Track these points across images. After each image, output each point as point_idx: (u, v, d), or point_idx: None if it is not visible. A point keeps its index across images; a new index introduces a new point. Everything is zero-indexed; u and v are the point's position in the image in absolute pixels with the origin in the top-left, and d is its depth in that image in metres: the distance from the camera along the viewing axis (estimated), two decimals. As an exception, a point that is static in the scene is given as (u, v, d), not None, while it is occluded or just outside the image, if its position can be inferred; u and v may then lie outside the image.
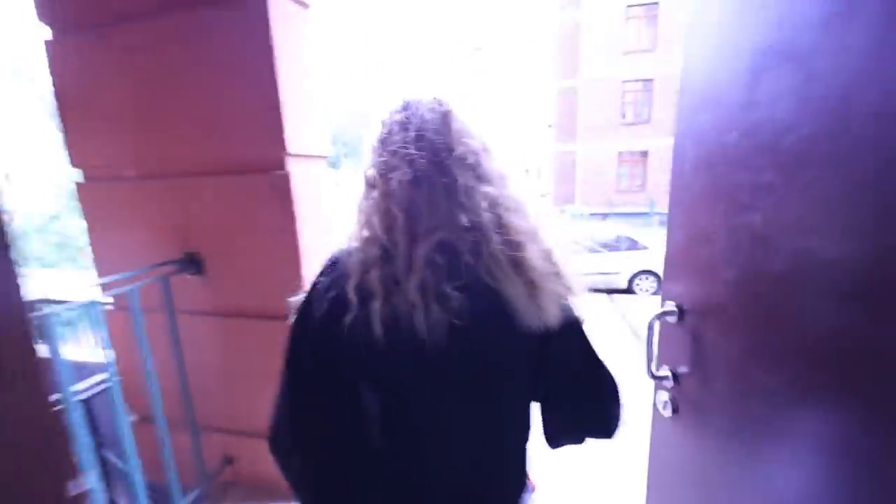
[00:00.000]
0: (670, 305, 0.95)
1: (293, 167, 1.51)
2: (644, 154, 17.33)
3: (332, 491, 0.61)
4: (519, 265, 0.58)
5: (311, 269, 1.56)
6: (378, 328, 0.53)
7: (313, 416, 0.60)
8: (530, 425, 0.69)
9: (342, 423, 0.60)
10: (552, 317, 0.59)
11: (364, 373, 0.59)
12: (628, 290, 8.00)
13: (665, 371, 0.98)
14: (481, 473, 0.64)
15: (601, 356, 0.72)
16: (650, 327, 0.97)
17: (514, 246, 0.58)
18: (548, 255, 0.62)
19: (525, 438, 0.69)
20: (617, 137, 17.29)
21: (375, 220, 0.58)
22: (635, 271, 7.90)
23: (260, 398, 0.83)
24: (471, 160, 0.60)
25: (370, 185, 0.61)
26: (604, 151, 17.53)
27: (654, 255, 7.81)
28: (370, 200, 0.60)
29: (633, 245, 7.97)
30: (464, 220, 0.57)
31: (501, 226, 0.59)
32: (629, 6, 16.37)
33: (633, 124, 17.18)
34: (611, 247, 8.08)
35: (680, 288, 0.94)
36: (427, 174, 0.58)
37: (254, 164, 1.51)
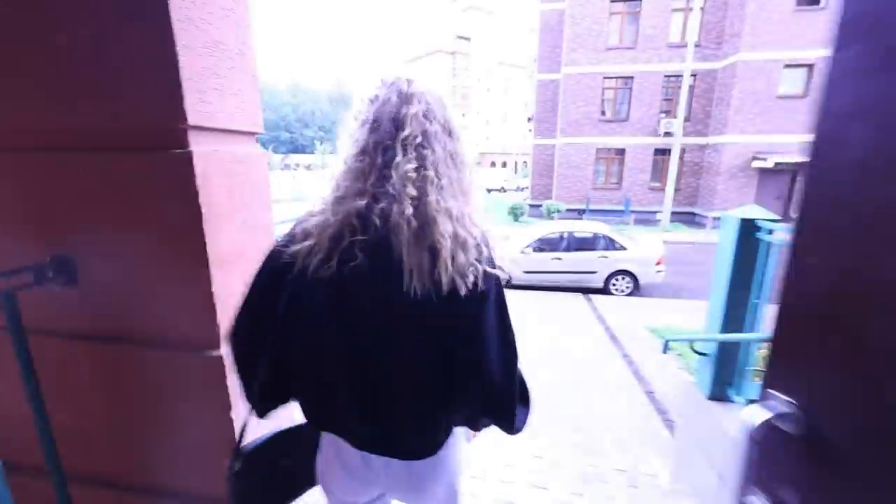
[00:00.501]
0: (782, 405, 0.56)
1: (199, 145, 1.10)
2: (621, 152, 17.38)
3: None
4: (422, 235, 0.69)
5: (228, 285, 1.18)
6: (300, 265, 0.72)
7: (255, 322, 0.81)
8: (440, 370, 0.77)
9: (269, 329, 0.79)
10: (446, 284, 0.69)
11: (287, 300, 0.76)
12: (604, 291, 7.88)
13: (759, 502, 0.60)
14: (395, 400, 0.79)
15: (510, 348, 0.80)
16: (746, 437, 0.57)
17: (422, 217, 0.70)
18: (460, 231, 0.71)
19: (435, 382, 0.78)
20: (595, 134, 17.24)
21: (328, 187, 0.76)
22: (612, 271, 7.77)
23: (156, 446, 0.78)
24: (415, 142, 0.73)
25: (336, 163, 0.78)
26: (582, 148, 17.47)
27: (632, 255, 7.70)
28: (330, 173, 0.77)
29: (611, 244, 7.83)
30: (387, 190, 0.71)
31: (420, 200, 0.70)
32: (612, 1, 16.23)
33: (611, 121, 17.16)
34: (588, 245, 7.92)
35: (803, 378, 0.57)
36: (371, 155, 0.73)
37: (144, 137, 1.09)
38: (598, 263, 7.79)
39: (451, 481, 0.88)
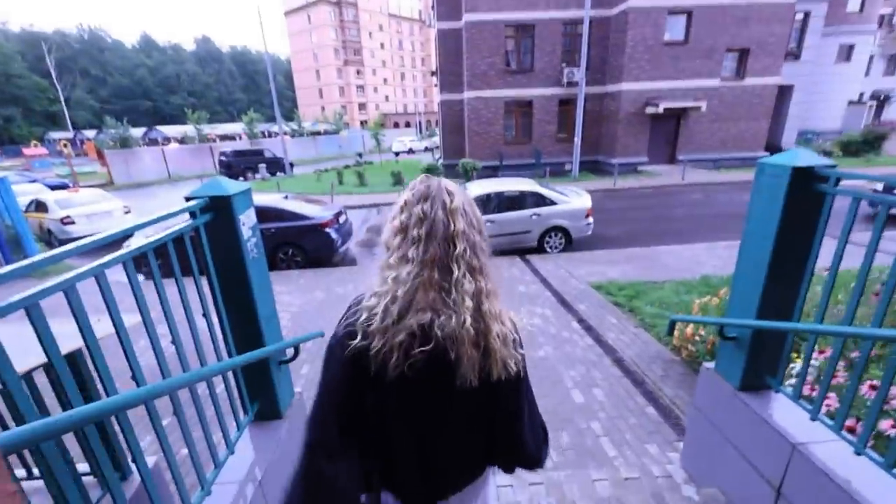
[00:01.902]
0: None
1: None
2: (528, 104, 17.27)
3: None
4: (477, 340, 0.86)
5: None
6: (375, 367, 0.86)
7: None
8: (481, 440, 0.98)
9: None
10: (494, 376, 0.88)
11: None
12: (539, 249, 7.61)
13: None
14: (445, 463, 0.98)
15: (532, 409, 1.01)
16: None
17: (478, 325, 0.86)
18: (504, 329, 0.89)
19: (480, 446, 0.99)
20: (503, 86, 16.80)
21: (385, 290, 0.86)
22: (545, 229, 7.49)
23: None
24: (466, 256, 0.87)
25: (388, 263, 0.89)
26: (491, 101, 16.96)
27: (562, 210, 7.46)
28: (387, 273, 0.88)
29: (541, 201, 7.50)
30: (448, 304, 0.85)
31: (479, 310, 0.87)
32: (508, -59, 15.35)
33: (517, 72, 16.81)
34: (518, 204, 7.49)
35: None
36: (429, 269, 0.85)
37: None
38: (530, 223, 7.44)
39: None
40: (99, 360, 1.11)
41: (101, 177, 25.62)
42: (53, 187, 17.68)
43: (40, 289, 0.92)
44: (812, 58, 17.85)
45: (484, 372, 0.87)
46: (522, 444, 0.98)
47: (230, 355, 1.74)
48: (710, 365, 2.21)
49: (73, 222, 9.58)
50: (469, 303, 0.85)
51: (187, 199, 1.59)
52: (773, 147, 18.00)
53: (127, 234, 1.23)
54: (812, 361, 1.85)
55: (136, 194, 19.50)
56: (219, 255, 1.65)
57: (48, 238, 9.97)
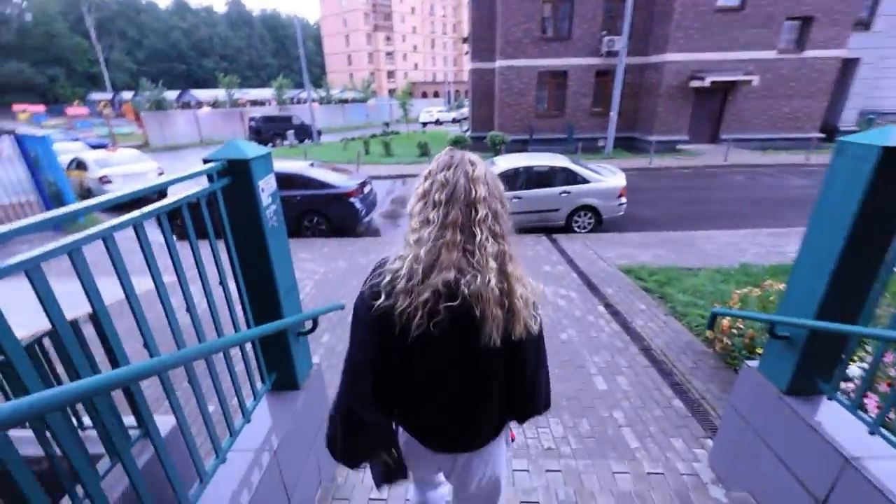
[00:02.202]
0: None
1: None
2: (563, 75, 16.41)
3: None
4: (502, 300, 0.89)
5: None
6: (400, 324, 0.90)
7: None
8: (502, 394, 1.05)
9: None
10: (518, 333, 0.92)
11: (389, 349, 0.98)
12: (566, 229, 7.35)
13: None
14: (467, 416, 1.05)
15: (545, 362, 1.08)
16: None
17: (503, 286, 0.90)
18: (526, 291, 0.93)
19: (500, 400, 1.06)
20: (537, 55, 15.97)
21: (409, 253, 0.90)
22: (574, 207, 7.20)
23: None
24: (488, 221, 0.90)
25: (411, 228, 0.93)
26: (524, 71, 16.20)
27: (595, 188, 7.13)
28: (409, 237, 0.93)
29: (572, 178, 7.17)
30: (472, 263, 0.88)
31: (503, 272, 0.90)
32: None
33: (553, 40, 15.91)
34: (548, 181, 7.19)
35: None
36: (452, 231, 0.88)
37: None
38: (559, 200, 7.15)
39: (497, 473, 1.15)
40: (108, 326, 1.07)
41: (137, 138, 26.36)
42: (94, 147, 18.31)
43: (41, 252, 0.86)
44: (885, 28, 16.02)
45: (507, 331, 0.91)
46: (539, 394, 1.07)
47: (248, 325, 1.70)
48: (753, 363, 2.04)
49: (110, 181, 9.89)
50: (493, 264, 0.89)
51: (205, 162, 1.51)
52: (830, 128, 16.59)
53: (142, 196, 1.17)
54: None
55: (169, 156, 20.00)
56: (236, 222, 1.58)
57: (88, 196, 10.37)
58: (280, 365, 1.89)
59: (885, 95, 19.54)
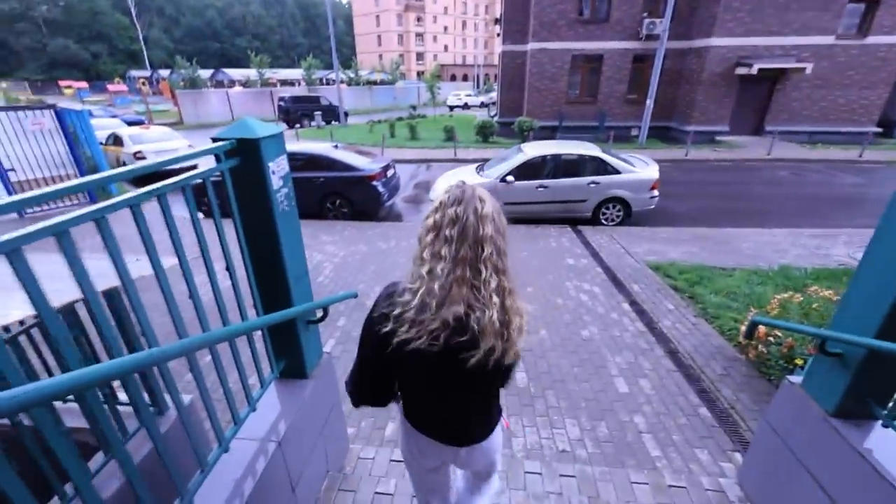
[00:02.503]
0: None
1: None
2: (598, 59, 15.71)
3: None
4: (500, 331, 0.99)
5: None
6: (400, 341, 1.00)
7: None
8: (495, 401, 1.24)
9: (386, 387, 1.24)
10: (510, 359, 1.04)
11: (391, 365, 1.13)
12: (593, 221, 7.08)
13: None
14: (469, 421, 1.21)
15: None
16: None
17: (503, 319, 0.99)
18: (522, 322, 1.03)
19: (494, 405, 1.25)
20: (572, 38, 15.31)
21: (421, 285, 0.98)
22: (602, 199, 6.91)
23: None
24: (493, 258, 0.97)
25: (421, 258, 1.00)
26: (557, 54, 15.59)
27: (625, 180, 6.81)
28: (420, 269, 0.99)
29: (602, 168, 6.87)
30: (479, 299, 0.97)
31: (503, 306, 0.99)
32: None
33: (589, 22, 15.19)
34: (576, 170, 6.91)
35: None
36: (462, 267, 0.96)
37: None
38: (587, 191, 6.88)
39: (493, 458, 1.34)
40: (98, 313, 1.02)
41: (172, 115, 27.09)
42: (131, 123, 18.93)
43: (25, 232, 0.80)
44: (963, 12, 14.49)
45: (501, 358, 1.01)
46: (502, 386, 1.26)
47: (256, 312, 1.65)
48: (796, 379, 1.86)
49: (143, 157, 10.18)
50: (496, 299, 0.98)
51: (214, 141, 1.44)
52: (889, 122, 15.33)
53: (149, 172, 1.12)
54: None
55: (201, 134, 20.42)
56: (245, 205, 1.51)
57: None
58: (288, 353, 1.84)
59: (956, 87, 17.87)
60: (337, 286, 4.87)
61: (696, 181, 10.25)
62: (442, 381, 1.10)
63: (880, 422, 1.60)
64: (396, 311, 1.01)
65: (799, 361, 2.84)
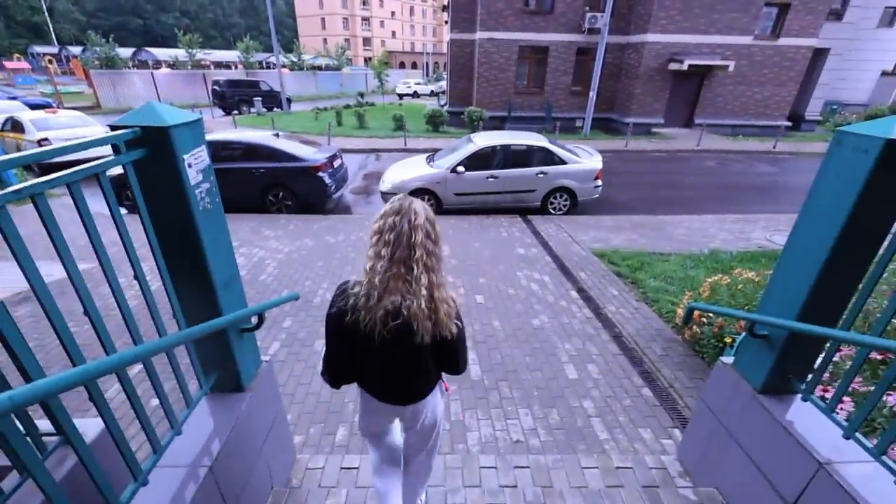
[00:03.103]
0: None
1: None
2: (544, 51, 16.03)
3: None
4: (431, 316, 1.25)
5: None
6: (359, 329, 1.27)
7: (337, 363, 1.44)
8: (432, 368, 1.45)
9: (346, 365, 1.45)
10: (439, 336, 1.29)
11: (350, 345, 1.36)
12: (542, 210, 7.25)
13: None
14: (410, 383, 1.46)
15: (465, 349, 1.46)
16: None
17: (431, 307, 1.25)
18: (449, 308, 1.30)
19: (432, 371, 1.46)
20: (518, 28, 15.47)
21: (366, 279, 1.25)
22: (550, 189, 7.08)
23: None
24: (423, 259, 1.23)
25: (367, 256, 1.26)
26: (504, 45, 15.71)
27: (571, 170, 7.01)
28: (366, 265, 1.26)
29: (549, 159, 7.02)
30: (411, 292, 1.23)
31: (431, 297, 1.25)
32: None
33: (535, 13, 15.42)
34: (525, 160, 7.02)
35: None
36: (397, 266, 1.22)
37: None
38: (536, 181, 7.01)
39: (435, 414, 1.58)
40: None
41: (87, 98, 24.27)
42: (35, 106, 16.71)
43: None
44: (855, 19, 16.38)
45: (434, 334, 1.28)
46: (462, 364, 1.46)
47: (178, 324, 1.47)
48: (728, 360, 1.98)
49: (51, 145, 9.00)
50: (424, 292, 1.23)
51: (112, 129, 1.23)
52: (796, 116, 17.08)
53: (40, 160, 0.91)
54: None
55: (123, 121, 18.50)
56: (155, 204, 1.32)
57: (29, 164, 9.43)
58: (220, 366, 1.67)
59: (849, 87, 20.28)
60: (281, 285, 4.60)
61: (635, 171, 10.83)
62: (390, 355, 1.35)
63: (800, 396, 1.74)
64: (351, 302, 1.27)
65: (728, 340, 3.06)
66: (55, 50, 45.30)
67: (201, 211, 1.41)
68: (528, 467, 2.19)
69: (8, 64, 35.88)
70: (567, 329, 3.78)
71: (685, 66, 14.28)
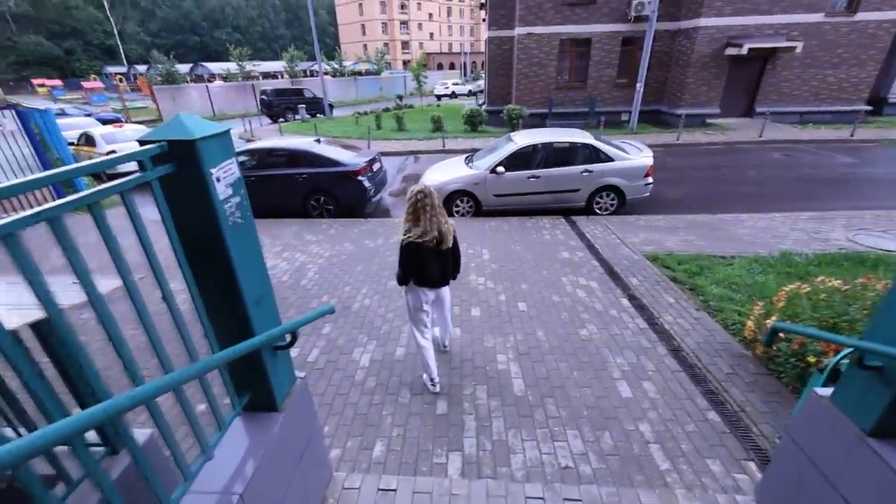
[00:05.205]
0: None
1: None
2: (586, 43, 15.37)
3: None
4: (446, 237, 2.71)
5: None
6: (419, 246, 2.67)
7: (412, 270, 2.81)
8: (451, 266, 2.91)
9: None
10: (452, 241, 2.79)
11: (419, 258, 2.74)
12: (587, 210, 6.88)
13: None
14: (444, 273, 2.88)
15: (459, 252, 2.99)
16: None
17: (445, 234, 2.70)
18: (451, 228, 2.77)
19: (450, 268, 2.94)
20: (559, 21, 14.94)
21: (418, 228, 2.65)
22: (596, 188, 6.70)
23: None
24: (439, 210, 2.70)
25: (412, 215, 2.67)
26: (544, 39, 15.22)
27: (619, 167, 6.59)
28: (411, 220, 2.68)
29: (595, 156, 6.64)
30: (439, 224, 2.68)
31: (441, 230, 2.69)
32: None
33: (575, 4, 14.81)
34: (568, 159, 6.68)
35: None
36: (432, 216, 2.64)
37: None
38: (580, 180, 6.66)
39: (449, 295, 3.11)
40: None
41: (151, 112, 26.24)
42: (107, 121, 18.26)
43: None
44: (951, -13, 14.36)
45: (449, 242, 2.71)
46: (459, 264, 3.01)
47: (210, 345, 1.41)
48: (825, 392, 1.67)
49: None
50: (444, 228, 2.66)
51: (141, 144, 1.18)
52: (878, 99, 15.27)
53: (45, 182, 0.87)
54: None
55: (181, 132, 19.78)
56: (184, 220, 1.26)
57: (98, 173, 10.27)
58: (253, 386, 1.61)
59: (942, 63, 17.85)
60: (321, 290, 4.62)
61: (689, 166, 10.09)
62: (434, 258, 2.69)
63: (923, 441, 1.42)
64: (417, 236, 2.60)
65: (811, 359, 2.67)
66: (124, 69, 49.49)
67: (231, 226, 1.35)
68: (579, 501, 1.99)
69: (85, 84, 39.71)
70: (618, 341, 3.49)
71: (745, 51, 13.16)
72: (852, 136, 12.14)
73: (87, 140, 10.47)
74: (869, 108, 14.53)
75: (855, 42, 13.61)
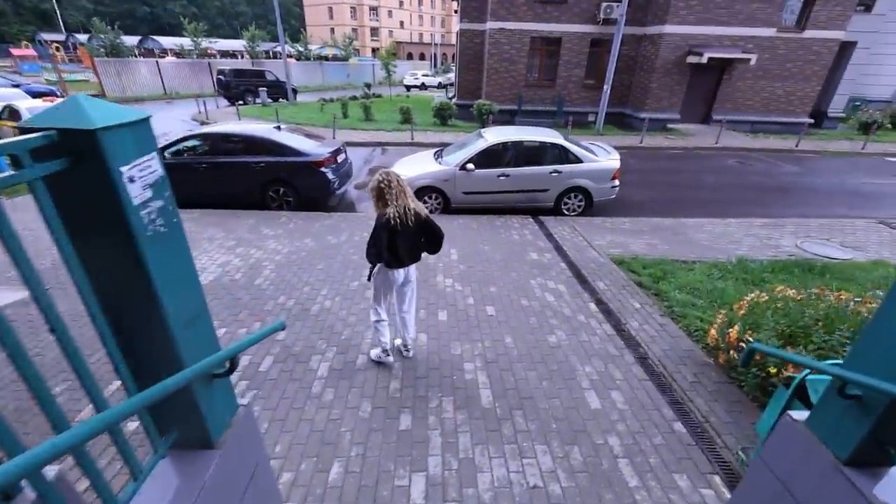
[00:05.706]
0: None
1: None
2: (556, 42, 15.48)
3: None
4: (417, 214, 2.90)
5: None
6: (393, 225, 2.84)
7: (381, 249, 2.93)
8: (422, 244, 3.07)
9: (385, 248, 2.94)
10: (423, 214, 2.95)
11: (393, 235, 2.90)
12: (555, 211, 6.88)
13: None
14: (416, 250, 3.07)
15: (436, 224, 3.00)
16: None
17: (416, 214, 2.90)
18: (423, 210, 2.97)
19: (421, 245, 3.11)
20: (531, 18, 14.93)
21: (391, 208, 2.84)
22: (564, 188, 6.70)
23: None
24: (406, 190, 2.93)
25: (385, 199, 2.88)
26: (515, 36, 15.18)
27: (587, 169, 6.62)
28: (382, 201, 2.89)
29: (564, 157, 6.63)
30: (409, 202, 2.91)
31: (416, 210, 2.91)
32: None
33: (547, 2, 14.85)
34: (538, 158, 6.64)
35: None
36: (401, 196, 2.88)
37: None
38: (549, 181, 6.63)
39: (416, 278, 3.23)
40: None
41: (92, 87, 24.00)
42: (38, 94, 16.58)
43: None
44: (885, 10, 15.62)
45: (420, 219, 2.90)
46: (439, 238, 3.01)
47: (123, 382, 1.16)
48: (799, 416, 1.64)
49: (48, 136, 8.74)
50: (412, 206, 2.86)
51: (21, 132, 0.91)
52: (819, 113, 16.42)
53: None
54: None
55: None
56: (83, 232, 1.00)
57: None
58: (183, 420, 1.37)
59: (874, 83, 19.48)
60: (277, 290, 4.30)
61: (651, 169, 10.39)
62: (407, 234, 2.85)
63: (893, 468, 1.40)
64: (391, 216, 2.78)
65: (772, 370, 2.71)
66: (62, 37, 45.11)
67: (150, 237, 1.09)
68: (550, 527, 1.88)
69: (14, 51, 35.79)
70: (587, 348, 3.45)
71: (704, 60, 13.70)
72: (797, 146, 12.96)
73: (11, 114, 9.36)
74: (811, 120, 15.59)
75: (802, 58, 14.51)
